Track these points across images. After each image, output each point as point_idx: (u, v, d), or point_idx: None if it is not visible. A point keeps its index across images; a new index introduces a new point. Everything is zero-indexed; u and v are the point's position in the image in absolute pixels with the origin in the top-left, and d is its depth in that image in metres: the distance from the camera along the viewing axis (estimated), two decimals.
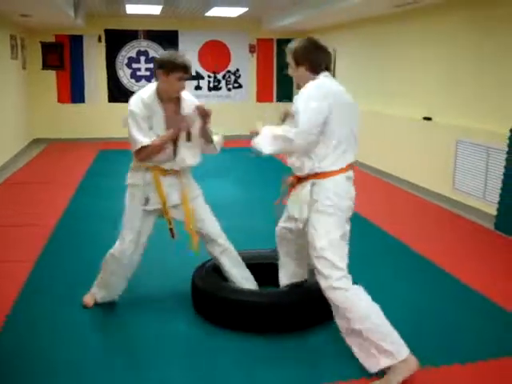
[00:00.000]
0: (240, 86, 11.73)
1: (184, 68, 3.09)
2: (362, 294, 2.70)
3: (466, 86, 5.94)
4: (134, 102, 3.13)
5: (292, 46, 2.85)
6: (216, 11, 9.58)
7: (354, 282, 2.74)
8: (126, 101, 3.31)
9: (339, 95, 2.75)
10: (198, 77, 11.44)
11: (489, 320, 3.35)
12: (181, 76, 3.09)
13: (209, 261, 3.55)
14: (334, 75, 2.91)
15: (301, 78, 2.84)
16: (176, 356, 2.93)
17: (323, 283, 2.72)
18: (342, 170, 2.75)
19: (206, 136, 3.23)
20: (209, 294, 3.27)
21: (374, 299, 2.72)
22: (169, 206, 3.26)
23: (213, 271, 3.45)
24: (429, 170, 6.63)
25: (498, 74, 5.41)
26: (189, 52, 11.05)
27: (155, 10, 9.45)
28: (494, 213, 5.27)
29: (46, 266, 4.18)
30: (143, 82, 10.97)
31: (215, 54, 11.41)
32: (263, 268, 3.61)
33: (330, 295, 2.70)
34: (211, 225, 3.40)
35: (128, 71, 11.14)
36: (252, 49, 11.56)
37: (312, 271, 2.93)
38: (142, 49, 11.08)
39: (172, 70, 3.06)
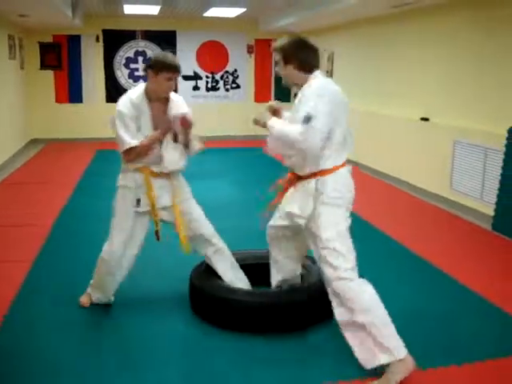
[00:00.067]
0: (238, 87, 11.73)
1: (173, 68, 3.10)
2: (367, 286, 2.71)
3: (465, 87, 5.94)
4: (123, 103, 3.14)
5: (280, 44, 2.83)
6: (214, 12, 9.59)
7: (360, 276, 2.75)
8: None
9: (337, 94, 2.76)
10: (196, 77, 11.44)
11: (486, 320, 3.36)
12: (170, 76, 3.10)
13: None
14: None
15: (289, 76, 2.84)
16: (173, 356, 2.93)
17: (331, 273, 2.71)
18: (343, 164, 2.79)
19: (187, 143, 3.24)
20: (207, 294, 3.26)
21: None
22: (159, 207, 3.26)
23: (211, 271, 3.44)
24: (426, 171, 6.64)
25: (498, 75, 5.41)
26: (187, 52, 11.09)
27: (153, 10, 9.45)
28: (492, 213, 5.28)
29: (44, 266, 4.17)
30: (141, 82, 10.78)
31: (213, 54, 11.42)
32: (258, 268, 3.60)
33: (336, 285, 2.70)
34: (205, 225, 3.41)
35: (126, 71, 11.14)
36: (250, 49, 11.57)
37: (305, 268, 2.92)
38: (140, 49, 11.07)
39: (161, 70, 3.07)
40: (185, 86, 11.28)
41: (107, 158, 9.10)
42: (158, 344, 3.04)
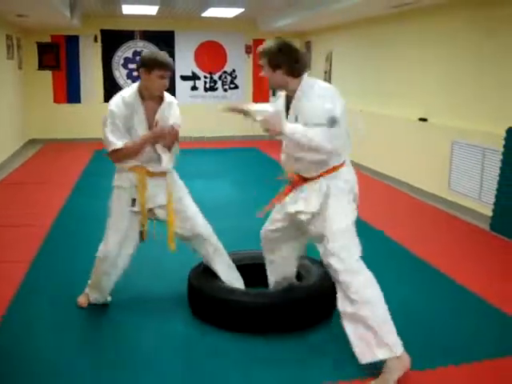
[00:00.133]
0: (236, 87, 11.72)
1: (165, 66, 3.10)
2: (373, 280, 2.73)
3: (465, 87, 5.94)
4: (114, 102, 3.15)
5: (267, 49, 2.76)
6: (212, 12, 9.57)
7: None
8: None
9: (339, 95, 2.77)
10: (195, 77, 11.44)
11: (484, 321, 3.36)
12: (162, 74, 3.10)
13: None
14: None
15: (277, 80, 2.79)
16: (172, 356, 2.92)
17: (338, 266, 2.71)
18: (344, 163, 2.82)
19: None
20: (205, 294, 3.26)
21: None
22: (155, 206, 3.27)
23: (209, 272, 3.44)
24: (425, 171, 6.65)
25: (498, 75, 5.41)
26: (185, 52, 11.09)
27: (151, 10, 9.43)
28: (490, 214, 5.29)
29: (42, 267, 4.17)
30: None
31: (211, 54, 11.41)
32: (255, 268, 3.60)
33: (343, 277, 2.70)
34: (202, 225, 3.40)
35: (124, 71, 11.12)
36: (248, 49, 11.56)
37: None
38: (139, 49, 11.05)
39: (153, 68, 3.07)
40: (183, 86, 11.28)
41: (105, 158, 9.08)
42: (157, 344, 3.03)
